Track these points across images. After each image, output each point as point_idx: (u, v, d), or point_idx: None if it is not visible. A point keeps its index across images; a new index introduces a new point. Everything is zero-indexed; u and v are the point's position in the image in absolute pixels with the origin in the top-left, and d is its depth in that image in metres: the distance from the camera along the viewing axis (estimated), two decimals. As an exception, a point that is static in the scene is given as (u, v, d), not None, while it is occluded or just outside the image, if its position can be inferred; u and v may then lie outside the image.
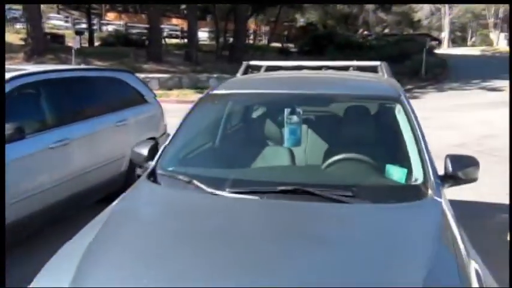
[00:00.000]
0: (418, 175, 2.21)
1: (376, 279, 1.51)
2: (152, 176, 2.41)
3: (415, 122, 2.48)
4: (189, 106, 2.99)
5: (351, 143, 2.68)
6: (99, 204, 2.80)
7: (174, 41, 28.47)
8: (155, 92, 6.20)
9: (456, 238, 1.81)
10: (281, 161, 2.74)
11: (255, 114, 3.54)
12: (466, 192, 3.38)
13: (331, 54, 22.85)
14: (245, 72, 3.62)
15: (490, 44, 47.41)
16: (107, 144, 4.49)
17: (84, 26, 27.26)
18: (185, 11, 25.73)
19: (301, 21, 37.96)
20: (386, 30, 40.21)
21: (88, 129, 4.23)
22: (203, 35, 29.02)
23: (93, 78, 4.81)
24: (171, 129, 3.10)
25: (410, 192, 2.14)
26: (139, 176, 2.78)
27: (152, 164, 2.51)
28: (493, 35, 49.81)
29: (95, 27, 28.12)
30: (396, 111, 2.64)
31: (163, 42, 22.49)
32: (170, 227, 1.92)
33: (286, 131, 2.64)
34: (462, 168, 2.23)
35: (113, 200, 2.27)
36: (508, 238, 1.98)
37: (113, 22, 32.22)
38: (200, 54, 21.17)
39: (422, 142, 2.35)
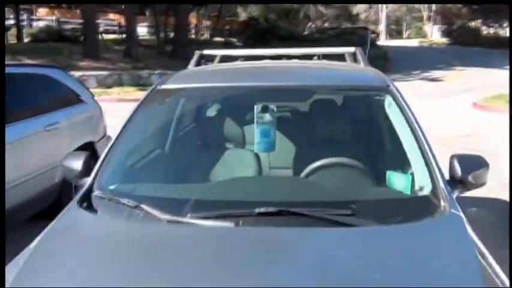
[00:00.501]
0: (423, 182, 1.79)
1: None
2: (86, 200, 1.82)
3: (410, 116, 2.06)
4: (132, 105, 2.44)
5: (333, 146, 2.22)
6: (31, 223, 2.17)
7: (111, 36, 27.07)
8: (93, 90, 5.52)
9: (493, 266, 1.42)
10: (246, 168, 2.27)
11: (211, 113, 3.03)
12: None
13: (275, 47, 22.61)
14: (198, 64, 3.09)
15: (425, 36, 49.27)
16: (36, 153, 3.82)
17: (11, 22, 25.22)
18: (123, 6, 24.46)
19: (243, 15, 37.57)
20: (326, 24, 40.74)
21: (10, 136, 3.54)
22: (142, 30, 27.80)
23: (15, 75, 4.07)
24: (113, 131, 2.54)
25: (420, 206, 1.70)
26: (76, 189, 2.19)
27: (88, 182, 1.94)
28: (427, 28, 51.79)
29: (24, 22, 26.14)
30: (386, 104, 2.21)
31: (99, 37, 21.24)
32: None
33: (256, 132, 2.11)
34: (472, 170, 1.84)
35: (47, 216, 1.72)
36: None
37: (44, 18, 30.14)
38: (140, 50, 20.19)
39: (423, 140, 1.93)
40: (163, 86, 2.47)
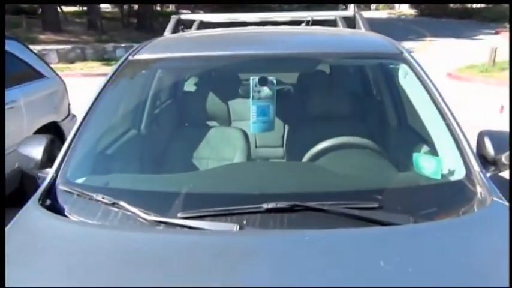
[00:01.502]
0: (454, 165, 1.52)
1: None
2: (49, 197, 1.47)
3: (432, 88, 1.75)
4: (99, 80, 2.05)
5: (341, 124, 1.91)
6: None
7: (71, 8, 25.71)
8: (55, 66, 5.03)
9: None
10: (235, 149, 1.97)
11: (192, 87, 2.68)
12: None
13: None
14: (175, 31, 2.70)
15: (392, 8, 49.27)
16: (-10, 136, 3.38)
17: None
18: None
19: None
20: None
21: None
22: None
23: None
24: (78, 110, 2.16)
25: (455, 194, 1.43)
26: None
27: (50, 174, 1.58)
28: (395, -1, 51.83)
29: (-25, -6, 24.48)
30: (402, 74, 1.91)
31: (58, 9, 20.09)
32: None
33: (253, 110, 1.77)
34: (506, 149, 1.57)
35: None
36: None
37: (-3, -12, 28.32)
38: (104, 22, 19.23)
39: (450, 116, 1.65)
40: (137, 57, 2.08)
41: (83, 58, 13.99)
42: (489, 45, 12.46)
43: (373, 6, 55.96)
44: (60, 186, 1.50)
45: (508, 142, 1.59)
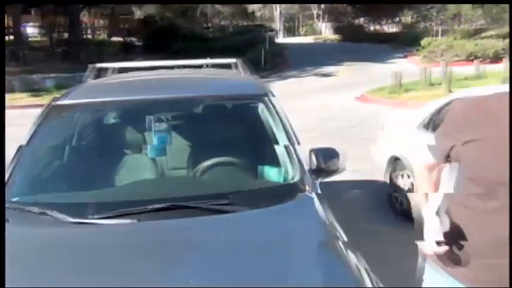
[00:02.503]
0: (292, 173, 2.24)
1: None
2: None
3: (284, 119, 2.50)
4: (27, 111, 2.58)
5: (219, 147, 2.59)
6: None
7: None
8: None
9: (341, 235, 1.86)
10: (145, 172, 2.56)
11: (109, 124, 3.26)
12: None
13: (177, 46, 22.63)
14: (95, 77, 3.29)
15: (319, 33, 52.06)
16: None
17: None
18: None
19: (138, 13, 36.64)
20: (223, 22, 41.35)
21: None
22: (33, 30, 26.08)
23: None
24: (10, 142, 2.67)
25: (288, 192, 2.14)
26: None
27: None
28: (318, 25, 54.77)
29: None
30: (263, 109, 2.63)
31: (-19, 40, 19.59)
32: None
33: (151, 140, 2.46)
34: (327, 160, 2.32)
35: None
36: None
37: None
38: (31, 52, 18.99)
39: (293, 138, 2.38)
40: (60, 102, 2.66)
41: (12, 89, 13.81)
42: (397, 68, 13.97)
43: (299, 31, 58.81)
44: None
45: (328, 155, 2.35)
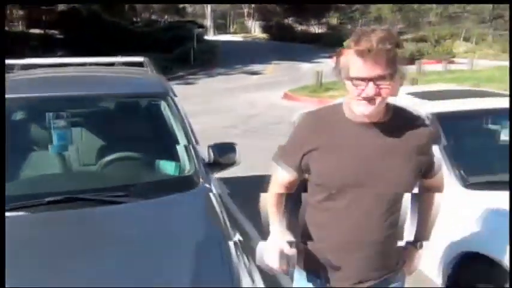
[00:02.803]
0: (188, 167, 2.39)
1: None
2: None
3: (182, 117, 2.65)
4: None
5: (123, 143, 2.68)
6: None
7: None
8: None
9: (228, 229, 2.01)
10: (51, 168, 2.60)
11: (17, 120, 3.23)
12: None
13: (101, 41, 21.90)
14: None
15: (249, 31, 52.68)
16: None
17: None
18: None
19: (62, 5, 34.89)
20: (154, 17, 40.54)
21: None
22: None
23: None
24: None
25: (182, 184, 2.29)
26: None
27: None
28: (249, 23, 55.41)
29: None
30: (164, 108, 2.76)
31: None
32: None
33: (53, 136, 2.50)
34: (223, 155, 2.50)
35: None
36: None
37: None
38: None
39: (190, 135, 2.53)
40: None
41: None
42: (321, 68, 14.57)
43: (230, 29, 59.07)
44: None
45: (225, 150, 2.53)
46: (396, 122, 1.52)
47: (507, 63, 13.35)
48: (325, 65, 20.65)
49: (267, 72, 19.51)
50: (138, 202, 2.09)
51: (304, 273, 1.67)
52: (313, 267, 1.63)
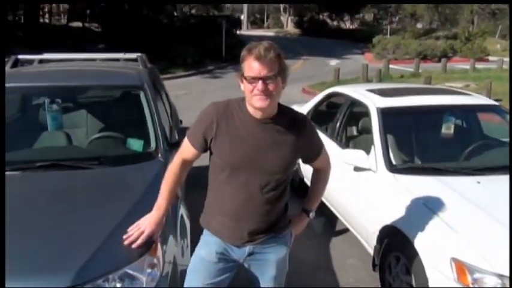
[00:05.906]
0: (153, 145, 3.01)
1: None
2: None
3: (152, 105, 3.22)
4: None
5: (106, 124, 3.35)
6: None
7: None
8: None
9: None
10: (57, 143, 3.21)
11: (33, 105, 3.88)
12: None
13: (136, 34, 22.65)
14: (14, 66, 3.87)
15: (282, 26, 52.70)
16: None
17: None
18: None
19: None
20: (193, 11, 41.08)
21: None
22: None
23: None
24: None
25: (144, 157, 2.92)
26: None
27: None
28: (283, 18, 55.38)
29: None
30: (141, 97, 3.32)
31: None
32: None
33: (48, 117, 3.21)
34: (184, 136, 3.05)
35: None
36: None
37: None
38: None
39: (157, 120, 3.13)
40: None
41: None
42: (351, 64, 14.63)
43: (266, 24, 59.23)
44: None
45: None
46: (282, 119, 1.96)
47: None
48: (353, 61, 20.72)
49: (295, 67, 19.71)
50: (104, 168, 2.77)
51: (209, 232, 2.11)
52: (214, 228, 2.08)
